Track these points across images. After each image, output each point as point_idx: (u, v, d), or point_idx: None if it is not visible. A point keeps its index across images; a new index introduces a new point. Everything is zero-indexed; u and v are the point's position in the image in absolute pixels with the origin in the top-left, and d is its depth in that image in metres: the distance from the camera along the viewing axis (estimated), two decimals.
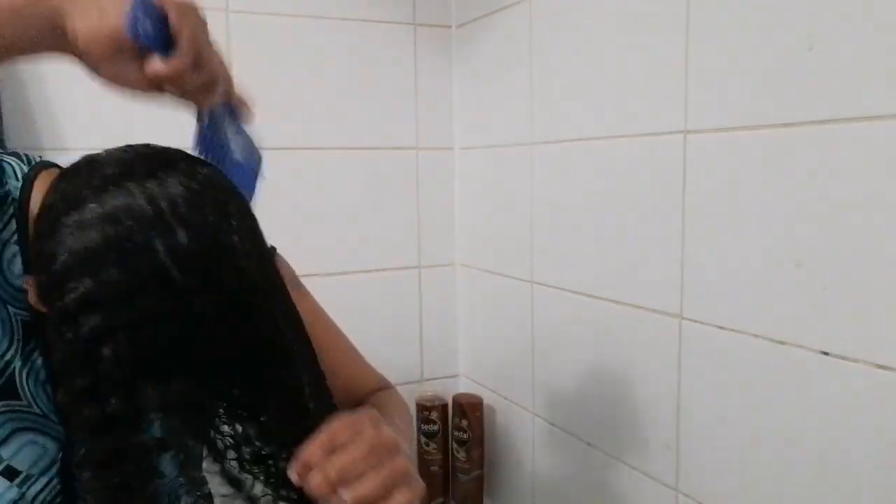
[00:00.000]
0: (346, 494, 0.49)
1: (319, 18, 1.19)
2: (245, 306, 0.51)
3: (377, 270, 1.28)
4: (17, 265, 0.57)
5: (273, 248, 0.74)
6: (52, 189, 0.53)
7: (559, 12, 1.00)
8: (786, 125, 0.68)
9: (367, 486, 0.50)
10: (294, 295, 0.75)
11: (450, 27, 1.29)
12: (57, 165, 0.65)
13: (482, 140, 1.24)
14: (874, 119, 0.60)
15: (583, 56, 0.96)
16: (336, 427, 0.52)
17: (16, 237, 0.57)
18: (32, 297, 0.52)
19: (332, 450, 0.50)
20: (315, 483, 0.49)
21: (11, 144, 0.98)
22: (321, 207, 1.22)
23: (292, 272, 0.78)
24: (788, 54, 0.67)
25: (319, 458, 0.50)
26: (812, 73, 0.65)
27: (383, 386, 0.82)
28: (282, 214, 1.19)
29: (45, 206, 0.52)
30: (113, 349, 0.47)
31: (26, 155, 0.64)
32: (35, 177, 0.61)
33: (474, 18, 1.22)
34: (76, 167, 0.54)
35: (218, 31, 1.12)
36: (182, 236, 0.48)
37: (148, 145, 0.55)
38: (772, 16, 0.69)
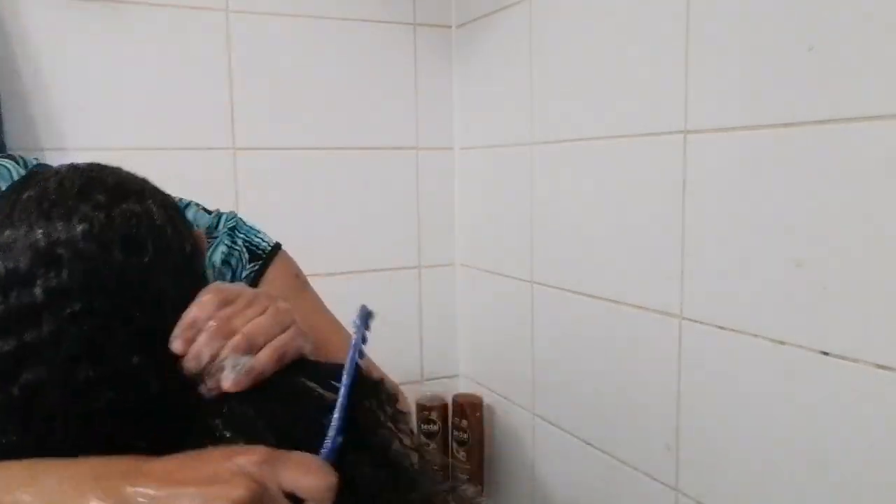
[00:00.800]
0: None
1: (319, 18, 1.19)
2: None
3: (377, 270, 1.28)
4: None
5: (278, 245, 0.74)
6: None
7: (559, 12, 1.00)
8: (786, 125, 0.68)
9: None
10: (297, 292, 0.74)
11: (450, 27, 1.29)
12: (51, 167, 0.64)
13: (482, 140, 1.24)
14: (874, 119, 0.60)
15: (583, 56, 0.96)
16: (221, 288, 0.48)
17: None
18: None
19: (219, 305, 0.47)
20: (202, 341, 0.45)
21: (11, 144, 0.98)
22: (321, 207, 1.22)
23: (296, 271, 0.76)
24: (788, 54, 0.67)
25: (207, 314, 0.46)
26: (812, 73, 0.65)
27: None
28: (282, 214, 1.19)
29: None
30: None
31: (22, 157, 0.63)
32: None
33: (474, 18, 1.22)
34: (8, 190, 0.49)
35: (218, 31, 1.13)
36: (69, 272, 0.44)
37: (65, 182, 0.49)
38: (771, 16, 0.69)
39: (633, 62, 0.87)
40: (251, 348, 0.47)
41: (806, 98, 0.66)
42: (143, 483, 0.40)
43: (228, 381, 0.46)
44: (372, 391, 0.51)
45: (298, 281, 0.77)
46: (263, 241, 0.73)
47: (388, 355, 1.36)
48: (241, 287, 0.52)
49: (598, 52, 0.93)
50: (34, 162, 0.64)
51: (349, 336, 0.64)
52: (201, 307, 0.47)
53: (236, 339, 0.47)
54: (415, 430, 0.54)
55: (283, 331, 0.49)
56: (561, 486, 1.07)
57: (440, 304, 1.34)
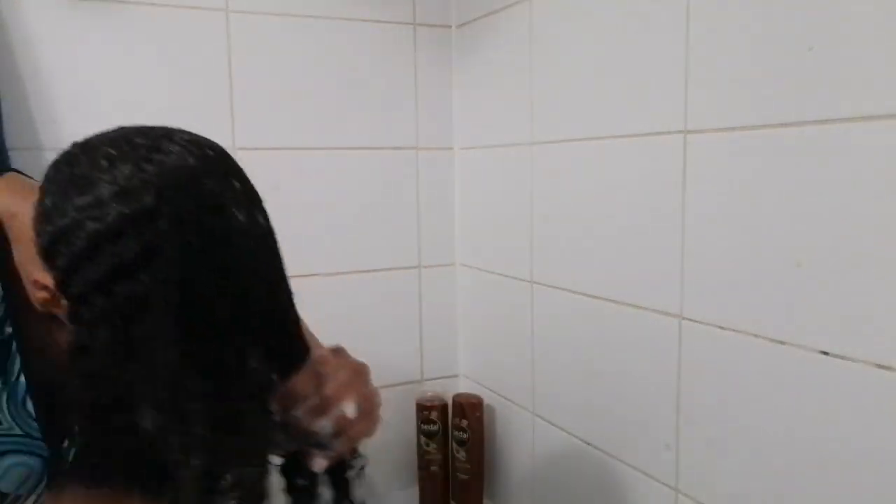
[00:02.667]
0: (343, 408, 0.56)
1: (319, 18, 1.19)
2: (243, 274, 0.53)
3: (377, 270, 1.28)
4: None
5: None
6: (50, 180, 0.53)
7: (559, 12, 1.00)
8: (786, 125, 0.68)
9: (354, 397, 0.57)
10: None
11: (450, 27, 1.29)
12: (15, 170, 0.64)
13: (482, 140, 1.24)
14: (874, 119, 0.60)
15: (583, 56, 0.96)
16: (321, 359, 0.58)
17: None
18: (41, 294, 0.52)
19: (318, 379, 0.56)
20: (311, 405, 0.55)
21: (11, 144, 0.98)
22: (321, 207, 1.22)
23: None
24: (788, 54, 0.67)
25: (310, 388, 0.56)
26: (812, 73, 0.65)
27: None
28: (281, 214, 1.18)
29: (46, 193, 0.52)
30: (149, 314, 0.48)
31: None
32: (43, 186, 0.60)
33: (474, 18, 1.22)
34: (71, 153, 0.54)
35: (218, 31, 1.13)
36: (188, 204, 0.50)
37: (138, 126, 0.56)
38: (772, 16, 0.69)
39: (633, 62, 0.87)
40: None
41: (806, 98, 0.66)
42: None
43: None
44: None
45: None
46: None
47: (388, 355, 1.37)
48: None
49: (598, 52, 0.93)
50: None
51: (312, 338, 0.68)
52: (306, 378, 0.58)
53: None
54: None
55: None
56: (561, 486, 1.07)
57: (440, 304, 1.34)
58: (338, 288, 1.24)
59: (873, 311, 0.61)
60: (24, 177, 0.65)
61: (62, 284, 0.51)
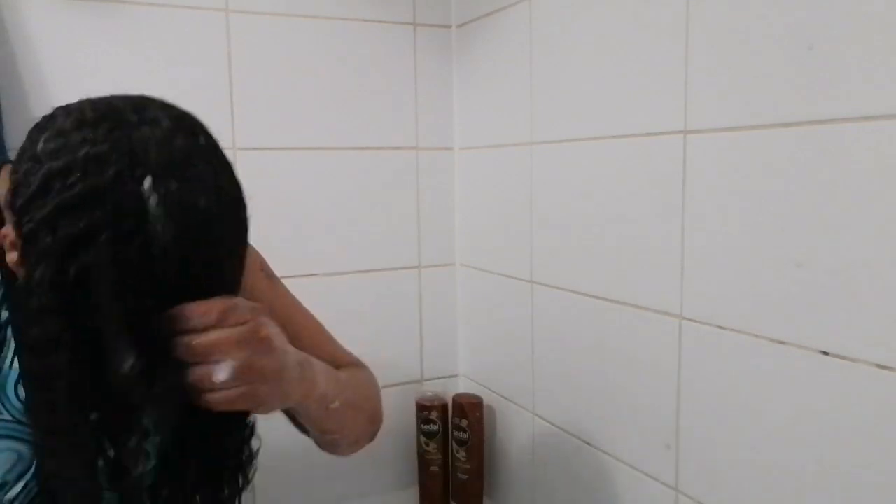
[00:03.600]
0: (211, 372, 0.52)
1: (319, 18, 1.19)
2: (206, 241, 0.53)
3: (377, 270, 1.28)
4: None
5: None
6: (28, 136, 0.55)
7: (559, 12, 1.00)
8: (786, 125, 0.68)
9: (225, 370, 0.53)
10: (266, 283, 0.77)
11: (450, 27, 1.29)
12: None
13: (482, 140, 1.24)
14: (874, 119, 0.60)
15: (583, 56, 0.96)
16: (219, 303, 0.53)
17: None
18: (11, 255, 0.53)
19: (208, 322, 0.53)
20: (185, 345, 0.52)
21: (11, 144, 0.98)
22: (321, 207, 1.22)
23: (261, 264, 0.80)
24: (788, 54, 0.67)
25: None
26: (812, 73, 0.65)
27: (356, 363, 0.84)
28: (282, 214, 1.19)
29: (21, 147, 0.54)
30: (90, 251, 0.49)
31: None
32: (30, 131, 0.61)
33: (474, 18, 1.22)
34: (51, 113, 0.56)
35: (218, 31, 1.13)
36: (150, 159, 0.51)
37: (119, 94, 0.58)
38: (771, 16, 0.69)
39: (633, 62, 0.87)
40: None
41: (806, 98, 0.66)
42: None
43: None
44: None
45: (264, 273, 0.80)
46: None
47: (388, 355, 1.37)
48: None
49: (598, 52, 0.93)
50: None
51: (320, 326, 0.67)
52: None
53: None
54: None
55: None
56: (561, 486, 1.07)
57: (440, 304, 1.34)
58: (338, 288, 1.24)
59: (873, 311, 0.61)
60: None
61: (19, 227, 0.52)
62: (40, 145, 0.52)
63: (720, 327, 0.77)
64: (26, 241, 0.51)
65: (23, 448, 0.60)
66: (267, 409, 0.58)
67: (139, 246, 0.49)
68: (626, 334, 0.91)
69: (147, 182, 0.50)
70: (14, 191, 0.52)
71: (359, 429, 0.78)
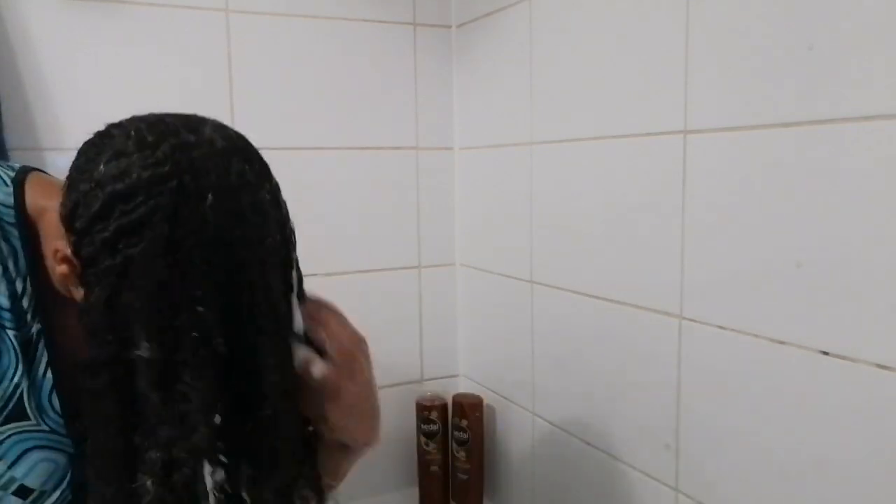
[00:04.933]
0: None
1: (319, 18, 1.19)
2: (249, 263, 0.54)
3: (377, 270, 1.28)
4: (2, 284, 0.57)
5: None
6: (81, 153, 0.56)
7: (559, 12, 1.00)
8: (786, 125, 0.68)
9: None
10: None
11: (450, 27, 1.29)
12: (37, 170, 0.65)
13: (482, 140, 1.24)
14: (874, 119, 0.60)
15: (583, 56, 0.96)
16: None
17: None
18: (61, 269, 0.54)
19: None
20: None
21: (11, 144, 0.98)
22: (321, 207, 1.22)
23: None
24: (788, 54, 0.67)
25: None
26: (812, 73, 0.65)
27: None
28: None
29: (75, 164, 0.56)
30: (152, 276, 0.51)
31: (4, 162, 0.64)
32: (24, 180, 0.61)
33: (474, 18, 1.22)
34: (104, 131, 0.57)
35: (218, 31, 1.13)
36: (211, 181, 0.52)
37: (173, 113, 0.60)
38: (771, 15, 0.69)
39: (633, 62, 0.87)
40: None
41: (806, 98, 0.66)
42: None
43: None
44: None
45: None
46: None
47: (388, 355, 1.37)
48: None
49: (598, 52, 0.93)
50: (17, 165, 0.64)
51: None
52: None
53: None
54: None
55: None
56: (561, 486, 1.07)
57: (440, 304, 1.34)
58: (338, 288, 1.24)
59: (873, 311, 0.61)
60: (48, 176, 0.67)
61: (77, 248, 0.53)
62: (101, 167, 0.52)
63: (720, 327, 0.77)
64: (87, 264, 0.52)
65: (59, 458, 0.60)
66: (337, 412, 0.61)
67: (197, 263, 0.51)
68: (626, 334, 0.91)
69: (209, 200, 0.51)
70: (73, 210, 0.53)
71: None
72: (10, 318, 0.57)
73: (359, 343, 0.65)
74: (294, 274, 0.60)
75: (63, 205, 0.54)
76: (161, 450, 0.51)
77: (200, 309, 0.51)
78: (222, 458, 0.52)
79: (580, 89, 0.97)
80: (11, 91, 1.00)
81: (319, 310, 0.63)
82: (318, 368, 0.59)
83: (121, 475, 0.52)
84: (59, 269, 0.55)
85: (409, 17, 1.26)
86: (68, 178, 0.55)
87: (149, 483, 0.50)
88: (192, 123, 0.56)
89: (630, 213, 0.89)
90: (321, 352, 0.61)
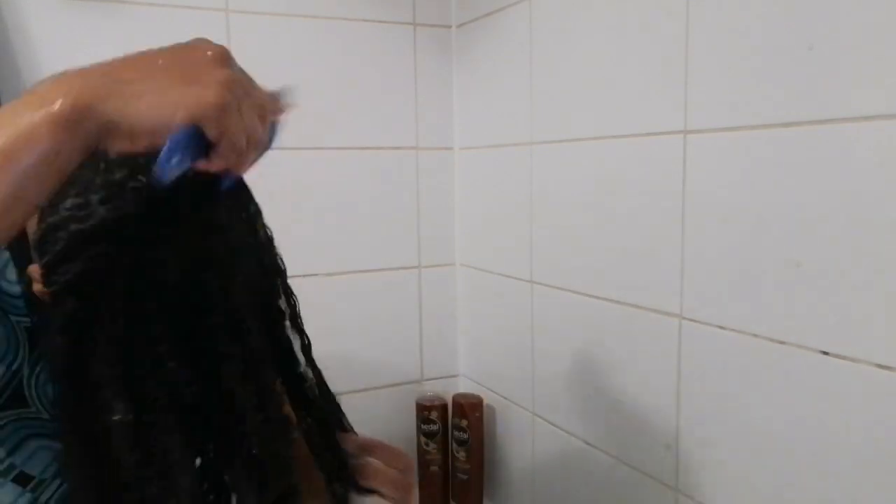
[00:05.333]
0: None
1: (319, 18, 1.19)
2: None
3: (377, 270, 1.28)
4: (11, 271, 0.57)
5: None
6: None
7: (559, 12, 1.00)
8: (786, 125, 0.68)
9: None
10: None
11: (450, 27, 1.29)
12: None
13: (482, 140, 1.24)
14: (874, 119, 0.60)
15: (583, 56, 0.96)
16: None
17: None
18: (37, 286, 0.53)
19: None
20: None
21: None
22: (321, 207, 1.22)
23: None
24: (788, 54, 0.67)
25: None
26: (812, 73, 0.65)
27: None
28: (281, 214, 1.18)
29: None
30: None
31: None
32: None
33: (474, 18, 1.22)
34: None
35: (218, 31, 1.13)
36: (171, 221, 0.49)
37: None
38: (771, 15, 0.69)
39: (633, 62, 0.87)
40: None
41: (806, 98, 0.66)
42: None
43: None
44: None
45: None
46: None
47: (388, 355, 1.37)
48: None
49: (598, 52, 0.93)
50: None
51: None
52: None
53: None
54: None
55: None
56: (561, 486, 1.07)
57: (440, 304, 1.34)
58: (338, 288, 1.24)
59: (873, 311, 0.61)
60: None
61: (45, 283, 0.51)
62: (68, 201, 0.50)
63: (720, 327, 0.77)
64: (54, 302, 0.50)
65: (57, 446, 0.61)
66: None
67: (161, 315, 0.49)
68: (626, 334, 0.91)
69: (173, 245, 0.49)
70: (40, 242, 0.51)
71: None
72: (19, 304, 0.57)
73: (411, 467, 0.63)
74: (283, 302, 0.58)
75: (35, 230, 0.52)
76: None
77: (169, 364, 0.48)
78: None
79: (580, 89, 0.97)
80: (11, 91, 1.00)
81: (366, 446, 0.61)
82: None
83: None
84: (35, 287, 0.53)
85: (409, 17, 1.26)
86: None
87: None
88: None
89: (630, 213, 0.89)
90: (371, 490, 0.60)
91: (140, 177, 0.50)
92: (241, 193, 0.57)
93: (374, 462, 0.59)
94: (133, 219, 0.49)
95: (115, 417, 0.48)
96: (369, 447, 0.60)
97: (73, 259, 0.48)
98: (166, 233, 0.50)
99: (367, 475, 0.58)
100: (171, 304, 0.49)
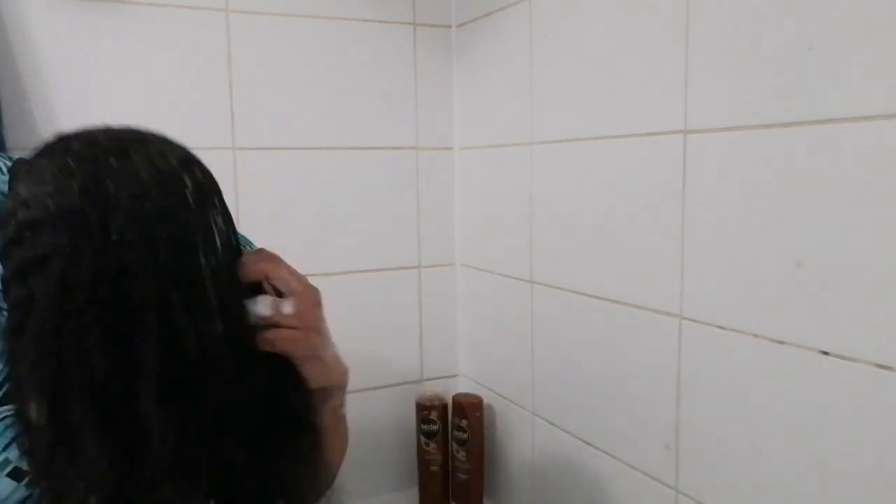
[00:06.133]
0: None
1: (319, 18, 1.19)
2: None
3: (377, 270, 1.28)
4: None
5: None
6: (22, 167, 0.55)
7: (559, 12, 1.00)
8: (786, 125, 0.68)
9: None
10: None
11: (450, 27, 1.29)
12: None
13: (482, 140, 1.24)
14: (874, 119, 0.60)
15: (583, 56, 0.96)
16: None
17: None
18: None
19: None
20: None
21: (11, 144, 0.98)
22: (321, 207, 1.22)
23: None
24: (788, 54, 0.67)
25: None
26: (812, 73, 0.65)
27: None
28: (281, 214, 1.19)
29: (11, 176, 0.56)
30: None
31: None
32: (20, 169, 0.62)
33: (474, 18, 1.22)
34: (46, 145, 0.55)
35: (218, 31, 1.13)
36: (120, 217, 0.49)
37: (119, 127, 0.57)
38: (772, 15, 0.69)
39: (633, 62, 0.87)
40: None
41: (806, 98, 0.66)
42: None
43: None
44: None
45: None
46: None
47: (388, 355, 1.37)
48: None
49: (598, 52, 0.93)
50: (15, 157, 0.65)
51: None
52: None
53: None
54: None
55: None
56: (561, 486, 1.07)
57: (440, 304, 1.34)
58: (338, 288, 1.24)
59: (873, 311, 0.61)
60: None
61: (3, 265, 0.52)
62: (21, 190, 0.51)
63: (720, 327, 0.77)
64: (3, 287, 0.51)
65: None
66: (314, 365, 0.61)
67: (92, 306, 0.49)
68: (626, 334, 0.91)
69: (113, 238, 0.49)
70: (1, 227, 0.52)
71: (337, 464, 0.74)
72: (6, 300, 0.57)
73: (314, 291, 0.63)
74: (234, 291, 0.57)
75: None
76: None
77: (94, 360, 0.48)
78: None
79: (580, 89, 0.97)
80: (11, 91, 1.00)
81: (260, 260, 0.60)
82: (289, 305, 0.58)
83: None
84: None
85: (409, 17, 1.26)
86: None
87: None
88: (126, 146, 0.52)
89: (630, 213, 0.89)
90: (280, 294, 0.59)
91: (95, 168, 0.51)
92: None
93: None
94: (77, 211, 0.50)
95: (31, 416, 0.49)
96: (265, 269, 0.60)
97: (19, 245, 0.50)
98: (114, 220, 0.50)
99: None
100: (103, 295, 0.49)
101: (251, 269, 0.58)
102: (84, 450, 0.49)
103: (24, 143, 1.00)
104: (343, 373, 0.66)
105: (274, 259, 0.61)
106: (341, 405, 0.69)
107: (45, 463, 0.50)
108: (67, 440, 0.49)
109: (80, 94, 1.04)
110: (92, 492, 0.49)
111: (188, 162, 0.56)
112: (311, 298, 0.61)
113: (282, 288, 0.60)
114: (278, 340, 0.58)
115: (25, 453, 0.52)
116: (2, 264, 0.51)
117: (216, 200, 0.56)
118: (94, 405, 0.49)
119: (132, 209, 0.50)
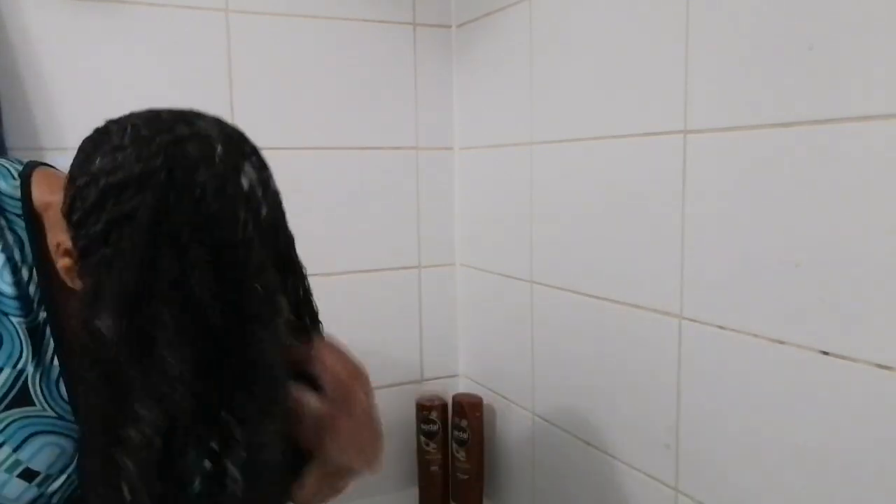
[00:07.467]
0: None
1: (319, 18, 1.19)
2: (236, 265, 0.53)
3: (377, 270, 1.28)
4: (7, 274, 0.58)
5: None
6: (80, 149, 0.57)
7: (559, 12, 1.00)
8: (786, 125, 0.68)
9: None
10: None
11: (450, 27, 1.29)
12: (46, 164, 0.66)
13: (482, 140, 1.24)
14: (874, 119, 0.60)
15: (583, 56, 0.96)
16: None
17: (1, 245, 0.58)
18: (63, 262, 0.55)
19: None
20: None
21: (11, 144, 0.98)
22: (321, 207, 1.22)
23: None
24: (788, 54, 0.67)
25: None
26: (812, 73, 0.65)
27: None
28: None
29: (75, 160, 0.57)
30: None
31: (8, 160, 0.65)
32: (30, 174, 0.62)
33: (474, 18, 1.22)
34: (102, 126, 0.59)
35: (218, 31, 1.13)
36: (201, 174, 0.52)
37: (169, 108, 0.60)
38: (772, 16, 0.69)
39: (633, 62, 0.87)
40: None
41: (806, 98, 0.66)
42: None
43: None
44: None
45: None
46: None
47: (388, 355, 1.37)
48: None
49: (598, 52, 0.93)
50: (24, 161, 0.65)
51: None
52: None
53: None
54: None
55: None
56: (561, 487, 1.07)
57: (440, 304, 1.34)
58: (338, 288, 1.24)
59: (873, 311, 0.61)
60: (56, 170, 0.68)
61: (74, 241, 0.54)
62: (97, 161, 0.53)
63: (720, 327, 0.77)
64: (82, 256, 0.53)
65: (65, 443, 0.61)
66: (334, 446, 0.64)
67: (185, 245, 0.51)
68: (626, 334, 0.91)
69: (197, 193, 0.51)
70: (71, 204, 0.54)
71: None
72: (16, 305, 0.58)
73: (357, 376, 0.64)
74: (294, 282, 0.60)
75: (63, 200, 0.55)
76: (135, 427, 0.50)
77: (186, 283, 0.50)
78: (213, 445, 0.52)
79: (580, 89, 0.97)
80: (11, 91, 1.00)
81: (315, 345, 0.62)
82: (312, 404, 0.59)
83: (105, 456, 0.52)
84: (61, 262, 0.56)
85: (409, 17, 1.26)
86: (69, 174, 0.56)
87: (129, 462, 0.50)
88: (188, 117, 0.57)
89: (630, 213, 0.89)
90: (316, 387, 0.60)
91: (166, 135, 0.54)
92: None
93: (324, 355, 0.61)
94: (162, 170, 0.52)
95: (103, 327, 0.50)
96: (315, 355, 0.62)
97: (102, 209, 0.51)
98: (196, 177, 0.52)
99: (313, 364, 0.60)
100: (196, 240, 0.51)
101: (308, 354, 0.61)
102: (166, 361, 0.50)
103: (24, 144, 1.00)
104: (365, 462, 0.68)
105: (330, 348, 0.63)
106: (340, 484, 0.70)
107: (135, 374, 0.51)
108: (149, 352, 0.50)
109: (80, 94, 1.04)
110: (165, 406, 0.50)
111: (239, 132, 0.60)
112: (350, 395, 0.62)
113: (322, 382, 0.61)
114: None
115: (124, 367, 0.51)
116: (79, 234, 0.53)
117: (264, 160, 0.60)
118: (179, 322, 0.51)
119: (210, 168, 0.52)
